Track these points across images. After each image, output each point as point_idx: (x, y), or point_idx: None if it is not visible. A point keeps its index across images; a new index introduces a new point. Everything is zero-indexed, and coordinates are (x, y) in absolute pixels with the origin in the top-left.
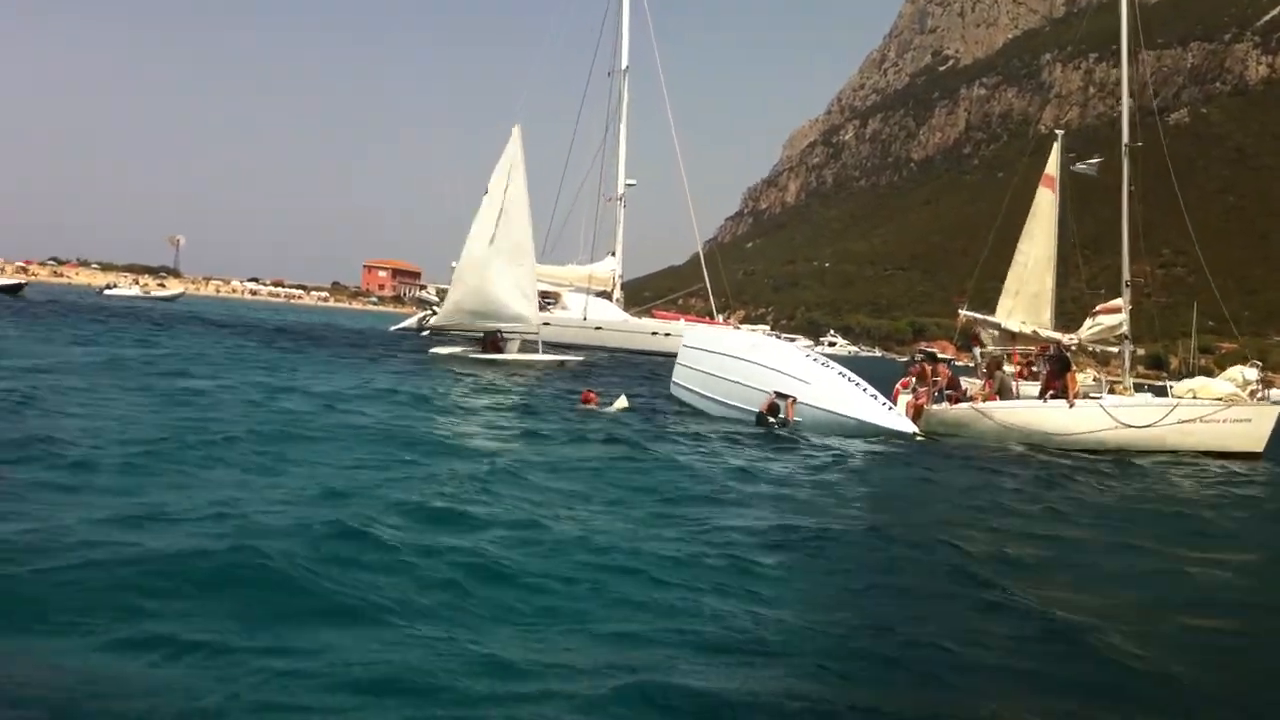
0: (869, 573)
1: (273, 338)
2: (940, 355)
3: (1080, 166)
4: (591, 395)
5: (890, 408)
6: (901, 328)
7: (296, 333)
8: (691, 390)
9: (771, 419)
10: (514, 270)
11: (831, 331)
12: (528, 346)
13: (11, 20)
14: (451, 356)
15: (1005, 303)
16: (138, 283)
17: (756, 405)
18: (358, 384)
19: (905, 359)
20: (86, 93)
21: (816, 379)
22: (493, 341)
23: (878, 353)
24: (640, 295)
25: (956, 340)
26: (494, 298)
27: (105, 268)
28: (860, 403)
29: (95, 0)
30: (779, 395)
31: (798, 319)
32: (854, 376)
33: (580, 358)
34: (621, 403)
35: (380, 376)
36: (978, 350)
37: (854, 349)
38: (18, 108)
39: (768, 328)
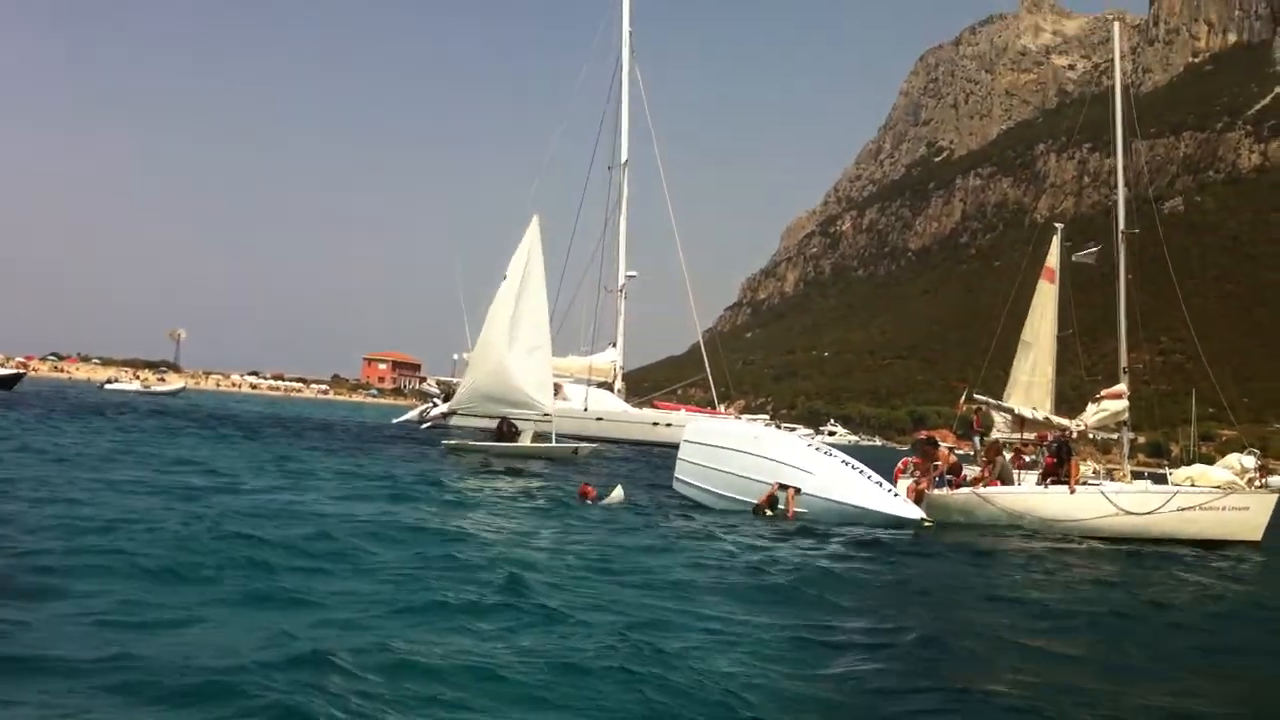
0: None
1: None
2: (941, 443)
3: (1080, 256)
4: (589, 489)
5: (896, 494)
6: (901, 416)
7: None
8: (694, 485)
9: (770, 511)
10: (530, 356)
11: (831, 420)
12: (541, 435)
13: (14, 114)
14: (464, 448)
15: (1010, 392)
16: (138, 377)
17: (758, 498)
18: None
19: (906, 448)
20: (90, 187)
21: (820, 468)
22: (506, 430)
23: (878, 441)
24: (640, 385)
25: (957, 428)
26: (510, 383)
27: (106, 362)
28: (866, 490)
29: (90, 93)
30: (781, 487)
31: (798, 408)
32: (858, 464)
33: (593, 445)
34: (617, 494)
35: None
36: (977, 438)
37: (854, 438)
38: (20, 204)
39: (768, 417)
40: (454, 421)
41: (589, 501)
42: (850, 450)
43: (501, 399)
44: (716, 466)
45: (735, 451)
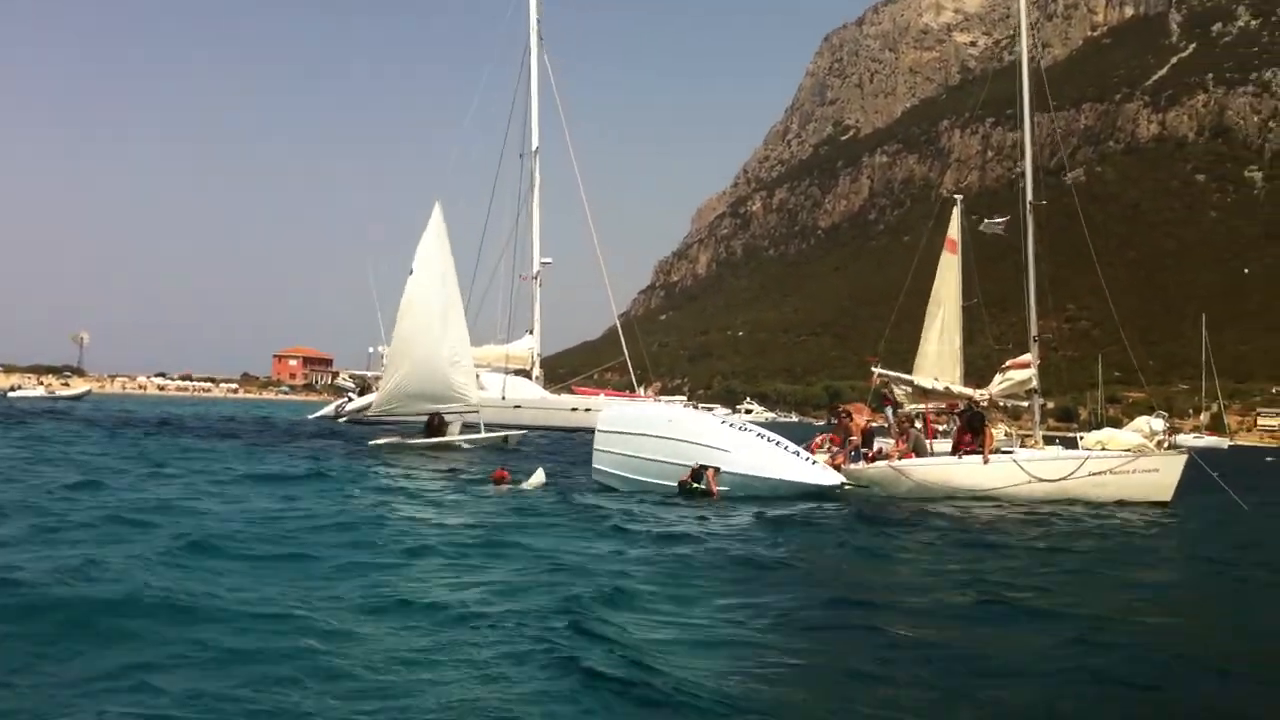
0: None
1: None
2: (856, 415)
3: (988, 225)
4: (503, 473)
5: (814, 461)
6: (817, 392)
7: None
8: (612, 473)
9: (695, 483)
10: (447, 342)
11: (748, 399)
12: (468, 427)
13: None
14: (392, 445)
15: (918, 363)
16: (42, 383)
17: (677, 481)
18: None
19: (822, 423)
20: None
21: (736, 445)
22: (437, 424)
23: (794, 418)
24: (556, 371)
25: (870, 401)
26: (434, 377)
27: (8, 369)
28: (783, 462)
29: None
30: (701, 467)
31: (714, 388)
32: (774, 436)
33: (522, 432)
34: (538, 477)
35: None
36: (889, 410)
37: (771, 415)
38: None
39: (685, 398)
40: (371, 415)
41: (503, 486)
42: (768, 427)
43: (426, 395)
44: (633, 454)
45: (651, 437)
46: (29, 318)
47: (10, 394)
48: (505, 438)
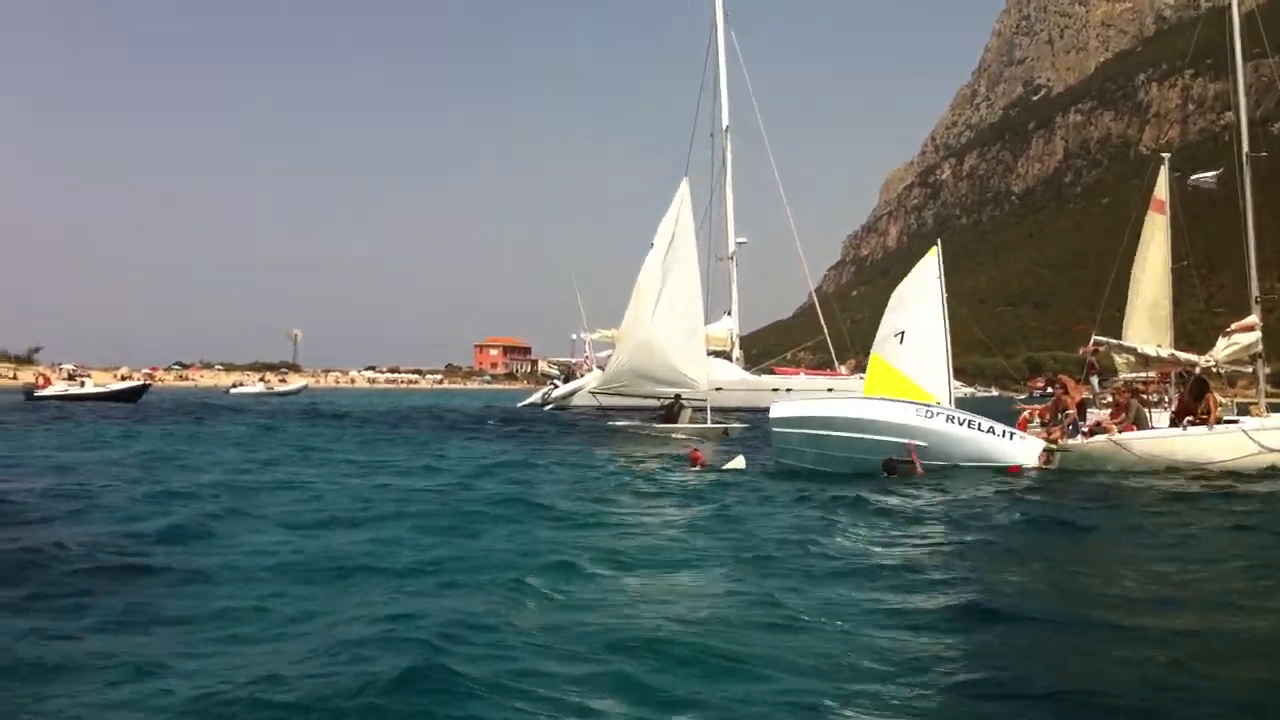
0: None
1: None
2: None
3: (1200, 179)
4: (698, 454)
5: (1014, 436)
6: (1016, 364)
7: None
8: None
9: (902, 461)
10: (682, 327)
11: None
12: (697, 416)
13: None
14: (630, 430)
15: (1127, 330)
16: (262, 379)
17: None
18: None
19: (1023, 396)
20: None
21: (928, 432)
22: (675, 410)
23: (994, 391)
24: (749, 353)
25: (1080, 375)
26: (661, 357)
27: (228, 368)
28: (981, 443)
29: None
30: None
31: None
32: (964, 415)
33: (743, 425)
34: (738, 463)
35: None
36: (1095, 380)
37: (969, 390)
38: (132, 237)
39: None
40: (577, 401)
41: (697, 466)
42: (967, 403)
43: (653, 376)
44: (820, 452)
45: (838, 435)
46: (246, 319)
47: (232, 390)
48: (726, 430)
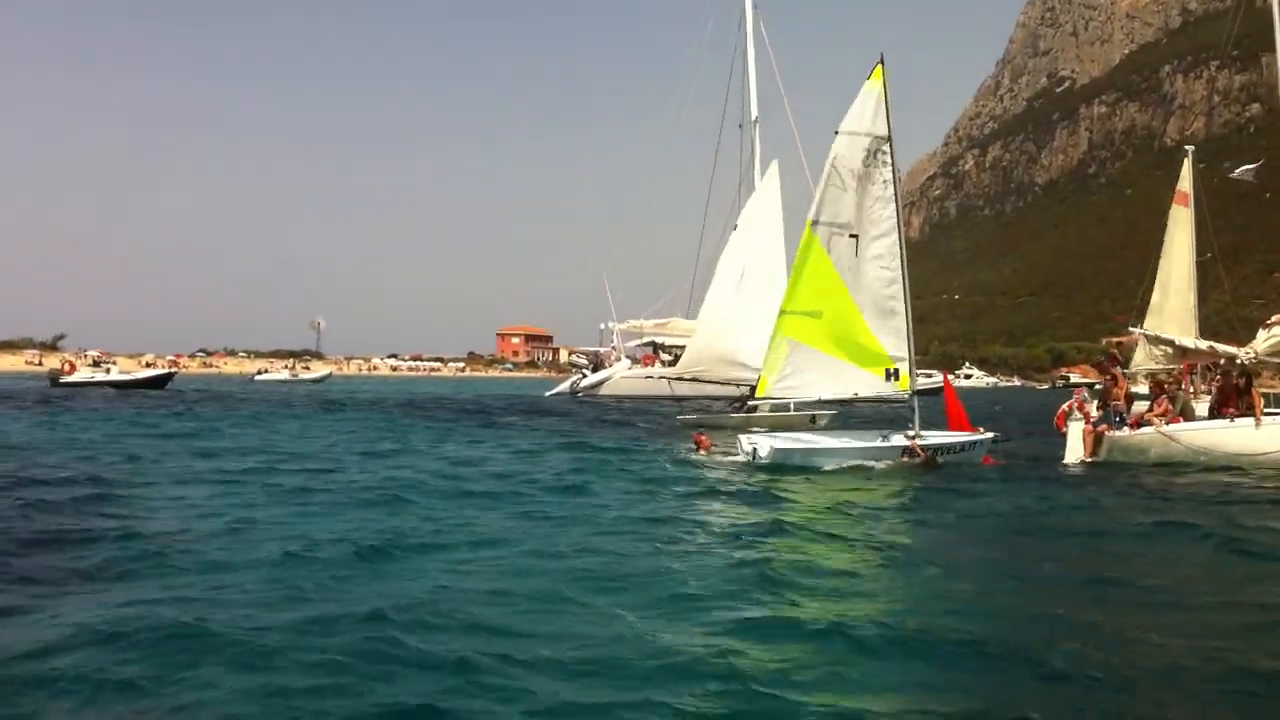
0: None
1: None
2: (1082, 380)
3: (1241, 172)
4: (703, 439)
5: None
6: (1039, 355)
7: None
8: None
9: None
10: (751, 307)
11: (967, 364)
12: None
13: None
14: (706, 423)
15: (1151, 321)
16: (287, 367)
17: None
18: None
19: (1045, 387)
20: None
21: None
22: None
23: (1017, 382)
24: None
25: (1121, 366)
26: (743, 341)
27: (252, 355)
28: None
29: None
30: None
31: (931, 353)
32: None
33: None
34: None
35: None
36: (1118, 370)
37: (992, 380)
38: (165, 222)
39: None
40: (606, 391)
41: (703, 452)
42: (990, 393)
43: (733, 360)
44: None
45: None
46: (269, 307)
47: (258, 377)
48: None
